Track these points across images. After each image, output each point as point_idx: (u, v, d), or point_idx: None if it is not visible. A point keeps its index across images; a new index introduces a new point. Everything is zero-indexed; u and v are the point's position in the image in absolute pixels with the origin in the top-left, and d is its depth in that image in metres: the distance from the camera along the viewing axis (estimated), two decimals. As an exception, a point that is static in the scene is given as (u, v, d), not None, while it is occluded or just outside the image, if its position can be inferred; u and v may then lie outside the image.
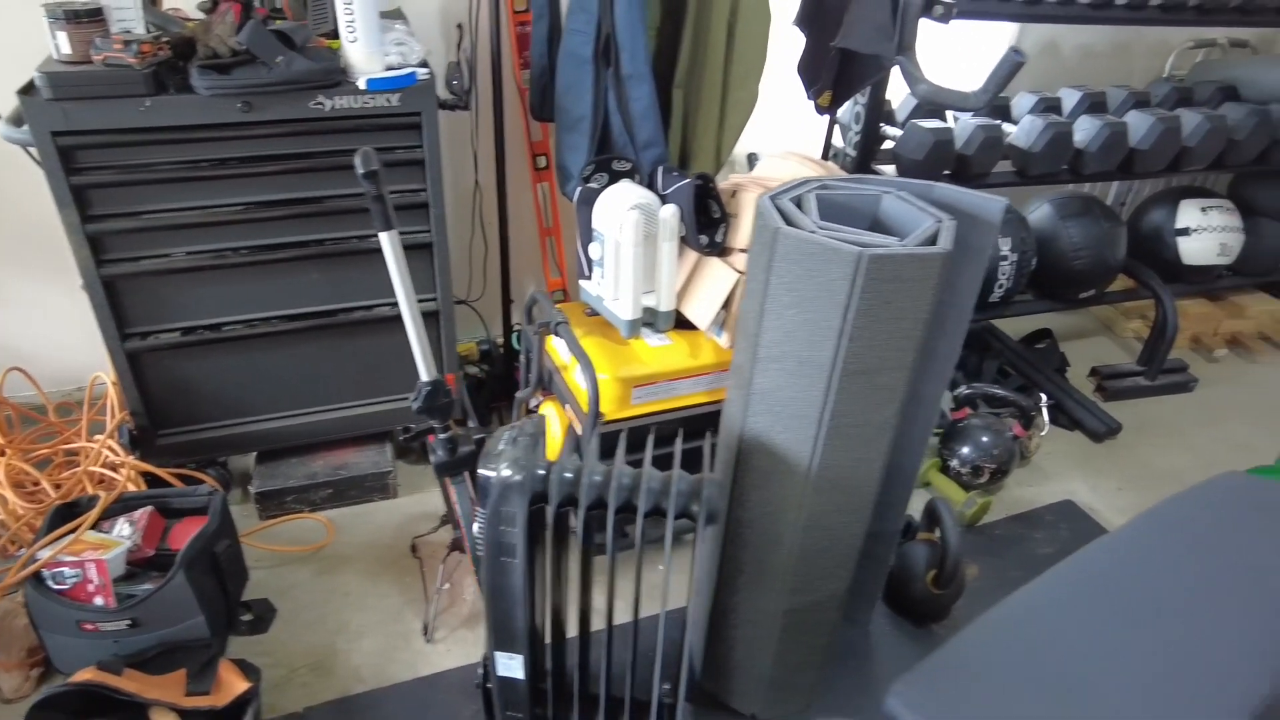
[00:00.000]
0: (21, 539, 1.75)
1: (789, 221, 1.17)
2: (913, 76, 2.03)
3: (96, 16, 1.55)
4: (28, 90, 1.52)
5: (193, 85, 1.59)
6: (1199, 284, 2.99)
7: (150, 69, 1.55)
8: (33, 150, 1.59)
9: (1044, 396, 2.55)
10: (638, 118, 1.89)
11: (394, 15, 2.01)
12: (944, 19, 2.01)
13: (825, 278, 1.12)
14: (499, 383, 2.42)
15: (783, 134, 2.64)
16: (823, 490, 1.30)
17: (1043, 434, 2.45)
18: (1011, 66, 1.89)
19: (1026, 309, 2.74)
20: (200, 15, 1.74)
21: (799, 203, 1.25)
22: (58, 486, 1.84)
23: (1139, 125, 2.45)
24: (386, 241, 1.37)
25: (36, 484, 1.86)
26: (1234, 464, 2.29)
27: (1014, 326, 3.04)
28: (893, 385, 1.21)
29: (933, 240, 1.14)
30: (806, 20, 2.18)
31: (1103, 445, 2.52)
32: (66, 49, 1.54)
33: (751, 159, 2.46)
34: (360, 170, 1.23)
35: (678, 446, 1.30)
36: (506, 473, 1.17)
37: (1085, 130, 2.41)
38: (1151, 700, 1.13)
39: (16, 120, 1.58)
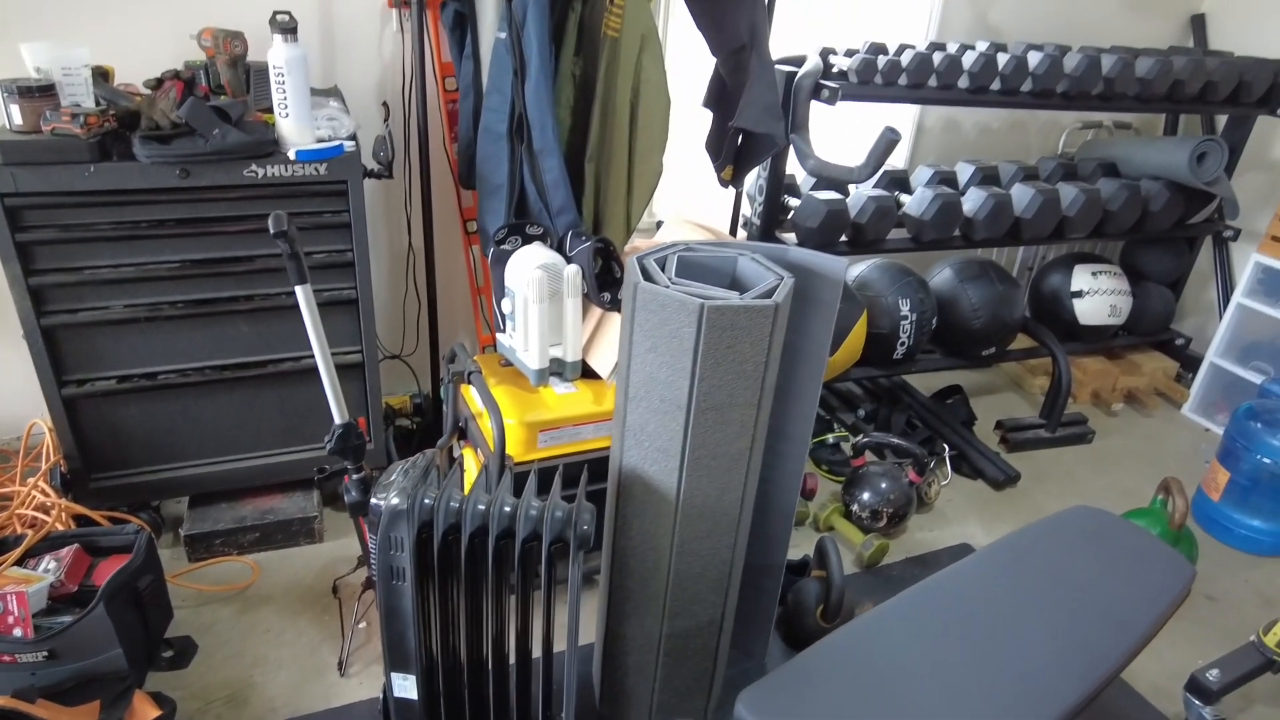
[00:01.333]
0: (-53, 578, 1.82)
1: (648, 278, 1.34)
2: (803, 153, 2.25)
3: (49, 91, 1.71)
4: (-21, 156, 1.67)
5: (135, 153, 1.74)
6: (1095, 342, 3.22)
7: (95, 138, 1.71)
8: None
9: (947, 447, 2.73)
10: (550, 187, 2.08)
11: (330, 92, 2.20)
12: (830, 101, 2.25)
13: (676, 326, 1.28)
14: (429, 433, 2.54)
15: (697, 203, 2.85)
16: (690, 517, 1.44)
17: (945, 483, 2.61)
18: (887, 144, 2.11)
19: (933, 365, 2.94)
20: (148, 91, 1.91)
21: (663, 263, 1.42)
22: (-11, 528, 1.92)
23: (1022, 196, 2.70)
24: (301, 294, 1.52)
25: (-33, 526, 1.94)
26: (1121, 508, 2.45)
27: (926, 382, 3.23)
28: (743, 420, 1.36)
29: (770, 294, 1.31)
30: (712, 102, 2.41)
31: (1002, 492, 2.69)
32: (18, 120, 1.69)
33: (658, 225, 2.66)
34: (273, 230, 1.39)
35: (582, 485, 1.43)
36: (395, 500, 1.30)
37: (974, 201, 2.64)
38: (969, 705, 1.26)
39: (-32, 183, 1.72)
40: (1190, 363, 3.37)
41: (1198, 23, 3.50)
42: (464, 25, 2.15)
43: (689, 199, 2.81)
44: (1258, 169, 3.37)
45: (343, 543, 2.22)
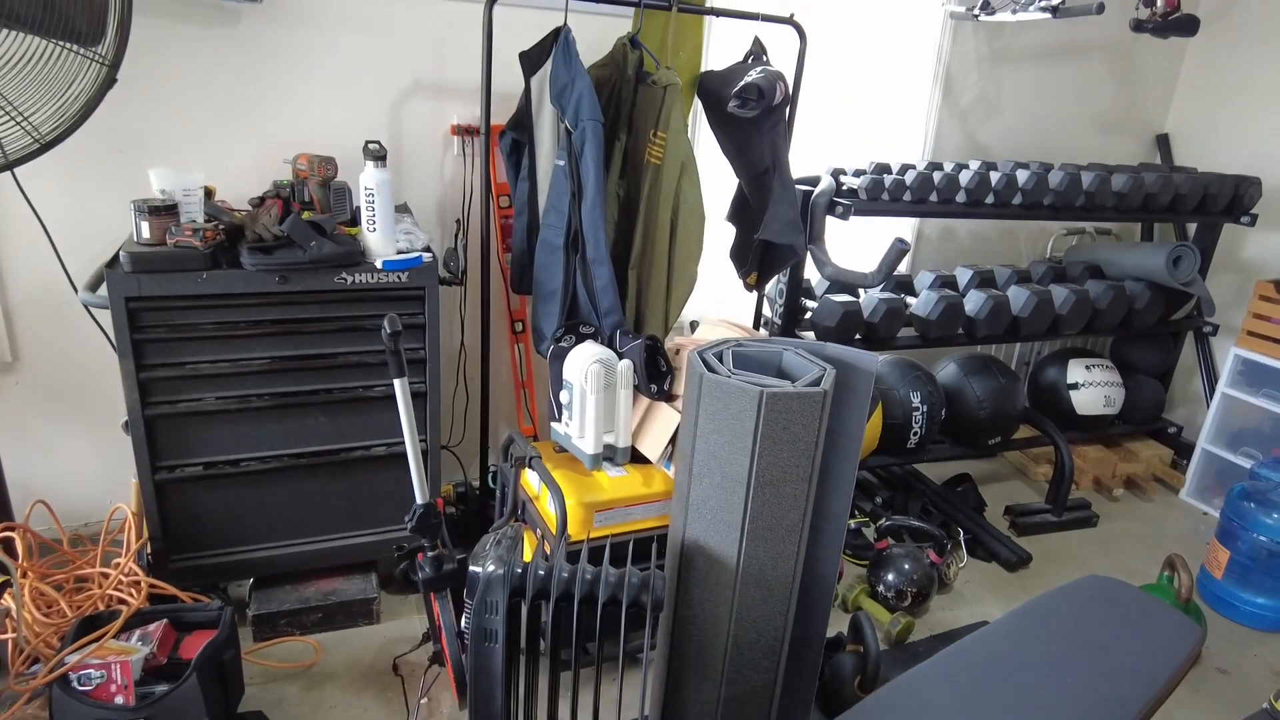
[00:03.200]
0: (40, 653, 1.93)
1: (711, 370, 1.55)
2: (822, 261, 2.51)
3: (172, 210, 1.96)
4: (112, 264, 1.90)
5: (242, 262, 1.98)
6: (1092, 431, 3.42)
7: (210, 249, 1.95)
8: (94, 311, 1.95)
9: (962, 531, 2.88)
10: (599, 292, 2.32)
11: (402, 209, 2.47)
12: (844, 217, 2.52)
13: (738, 410, 1.48)
14: (474, 520, 2.69)
15: (724, 304, 3.10)
16: (748, 585, 1.60)
17: (961, 565, 2.76)
18: (897, 253, 2.37)
19: (943, 454, 3.12)
20: (248, 207, 2.16)
21: (720, 356, 1.64)
22: (77, 608, 2.04)
23: (1019, 297, 2.95)
24: (399, 386, 1.72)
25: (52, 605, 2.06)
26: (1128, 588, 2.61)
27: (937, 471, 3.41)
28: (796, 495, 1.54)
29: (817, 383, 1.52)
30: (735, 217, 2.69)
31: (1015, 574, 2.83)
32: (147, 234, 1.93)
33: (693, 325, 2.88)
34: (387, 331, 1.60)
35: (652, 558, 1.60)
36: (491, 567, 1.46)
37: (974, 302, 2.90)
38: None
39: (92, 286, 1.95)
40: (1184, 449, 3.56)
41: (1162, 141, 3.88)
42: (520, 152, 2.44)
43: (715, 301, 3.07)
44: (1229, 269, 3.66)
45: (398, 623, 2.34)
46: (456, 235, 2.54)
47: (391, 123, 2.52)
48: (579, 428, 2.07)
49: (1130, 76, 3.72)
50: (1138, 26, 2.93)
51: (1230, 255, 3.66)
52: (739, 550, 1.57)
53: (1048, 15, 2.63)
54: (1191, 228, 3.64)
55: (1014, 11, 2.71)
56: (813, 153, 3.10)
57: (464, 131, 2.59)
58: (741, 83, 2.30)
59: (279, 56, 2.35)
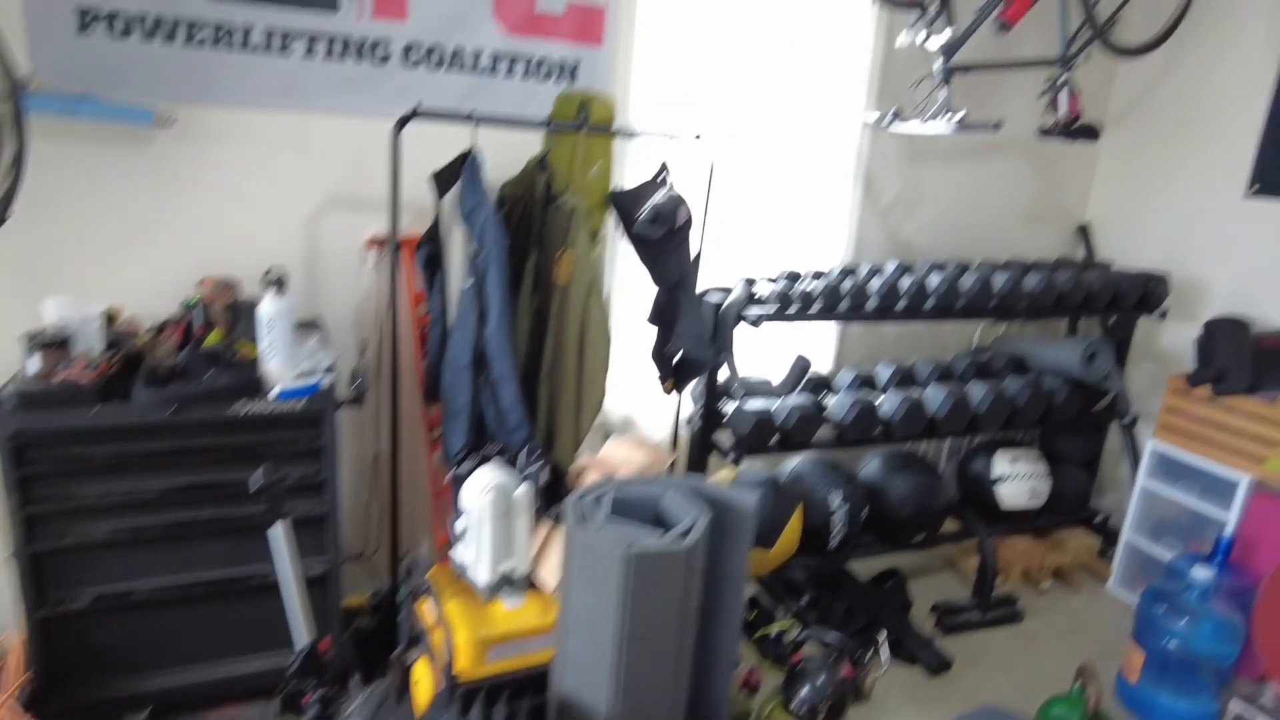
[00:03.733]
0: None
1: (584, 520, 1.56)
2: (731, 373, 2.54)
3: (64, 345, 1.95)
4: (-5, 403, 1.88)
5: (135, 395, 1.97)
6: (1019, 524, 3.45)
7: (102, 383, 1.94)
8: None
9: (884, 634, 2.88)
10: (506, 410, 2.33)
11: (313, 322, 2.48)
12: (755, 324, 2.56)
13: (606, 567, 1.49)
14: (388, 633, 2.64)
15: (648, 406, 3.12)
16: (623, 738, 1.58)
17: (881, 673, 2.75)
18: (800, 370, 2.42)
19: (868, 552, 3.13)
20: (155, 328, 2.16)
21: (599, 499, 1.65)
22: (-49, 750, 1.97)
23: (935, 397, 3.00)
24: (276, 532, 1.70)
25: (-71, 748, 1.99)
26: (1047, 692, 2.60)
27: (867, 565, 3.41)
28: (667, 648, 1.54)
29: (688, 533, 1.53)
30: (655, 319, 2.73)
31: (936, 679, 2.82)
32: (37, 368, 1.92)
33: (606, 436, 2.89)
34: (252, 489, 1.59)
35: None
36: (351, 734, 1.44)
37: (890, 404, 2.94)
38: None
39: (-22, 424, 1.92)
40: (1111, 538, 3.60)
41: (1084, 231, 4.01)
42: (434, 265, 2.47)
43: (642, 399, 3.09)
44: (1148, 358, 3.75)
45: (299, 751, 2.28)
46: (362, 353, 2.55)
47: (308, 237, 2.54)
48: (474, 556, 2.06)
49: (1049, 170, 3.85)
50: (1044, 133, 3.05)
51: (1148, 345, 3.75)
52: (612, 705, 1.56)
53: (952, 129, 2.73)
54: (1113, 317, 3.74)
55: (922, 122, 2.81)
56: (736, 258, 3.16)
57: (382, 244, 2.62)
58: (645, 208, 2.36)
59: (195, 175, 2.37)
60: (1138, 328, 3.70)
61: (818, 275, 2.96)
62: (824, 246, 3.39)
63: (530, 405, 2.42)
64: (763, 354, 3.26)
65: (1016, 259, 3.62)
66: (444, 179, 2.37)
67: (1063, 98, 2.99)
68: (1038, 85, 3.15)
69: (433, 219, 2.42)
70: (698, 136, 2.60)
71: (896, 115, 2.90)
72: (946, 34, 2.64)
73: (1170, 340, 3.69)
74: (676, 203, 2.36)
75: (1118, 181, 3.89)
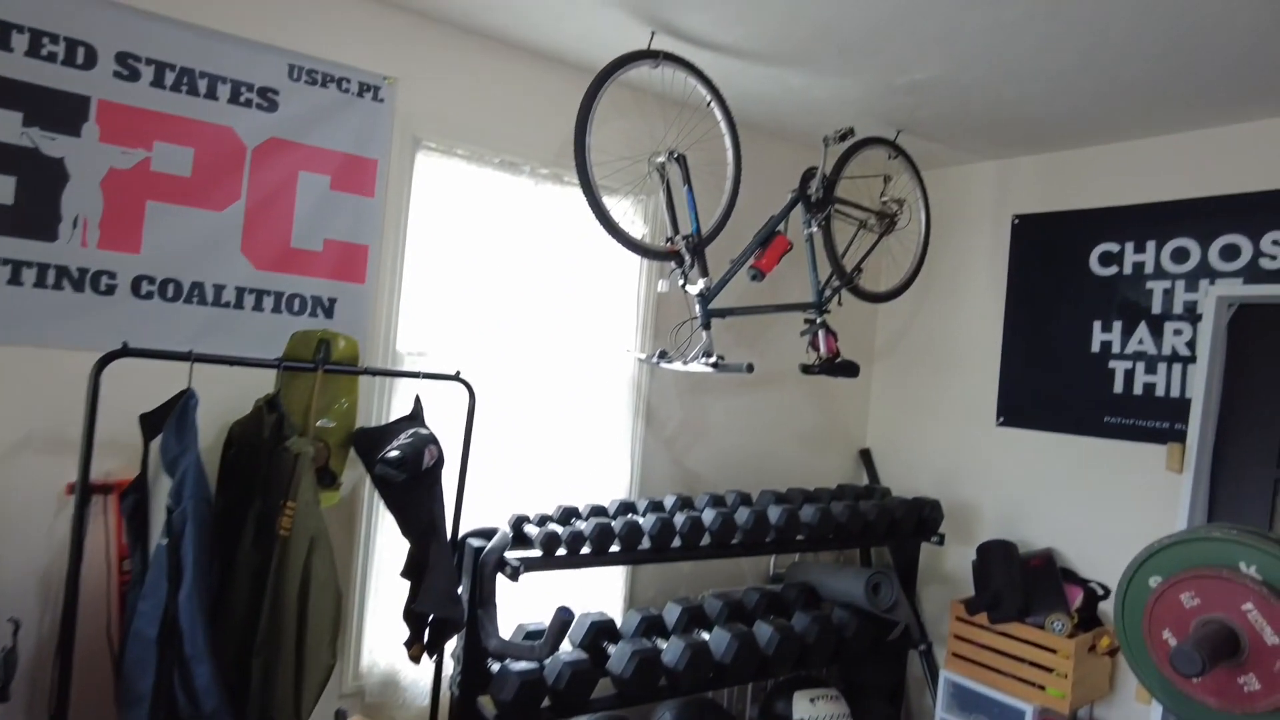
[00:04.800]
0: None
1: None
2: (487, 632, 2.29)
3: None
4: None
5: None
6: (826, 772, 3.22)
7: None
8: None
9: None
10: (201, 693, 1.94)
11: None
12: (514, 577, 2.35)
13: None
14: None
15: (404, 670, 2.77)
16: None
17: None
18: (561, 624, 2.20)
19: (662, 823, 2.78)
20: None
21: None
22: None
23: (720, 642, 2.83)
24: None
25: None
26: None
27: (668, 836, 3.03)
28: None
29: None
30: (407, 573, 2.46)
31: None
32: None
33: (338, 715, 2.49)
34: None
35: None
36: None
37: (673, 651, 2.74)
38: None
39: None
40: (922, 779, 3.43)
41: (865, 455, 4.18)
42: (140, 516, 2.14)
43: (397, 662, 2.73)
44: (936, 581, 3.82)
45: None
46: (15, 635, 2.12)
47: (-16, 486, 2.16)
48: None
49: (829, 399, 4.06)
50: (806, 370, 3.20)
51: (935, 568, 3.83)
52: None
53: (710, 370, 2.81)
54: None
55: (684, 364, 2.88)
56: (511, 495, 3.00)
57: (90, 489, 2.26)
58: (386, 450, 2.19)
59: None
60: (922, 550, 3.78)
61: (596, 511, 2.84)
62: (608, 479, 3.30)
63: (241, 686, 2.04)
64: (542, 598, 3.03)
65: (799, 487, 3.68)
66: (154, 421, 2.12)
67: (821, 338, 3.19)
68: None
69: (141, 465, 2.14)
70: (457, 374, 2.51)
71: (663, 355, 2.97)
72: (701, 283, 2.78)
73: (954, 562, 3.79)
74: (424, 442, 2.20)
75: (890, 410, 4.15)
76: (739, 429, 3.70)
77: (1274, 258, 2.92)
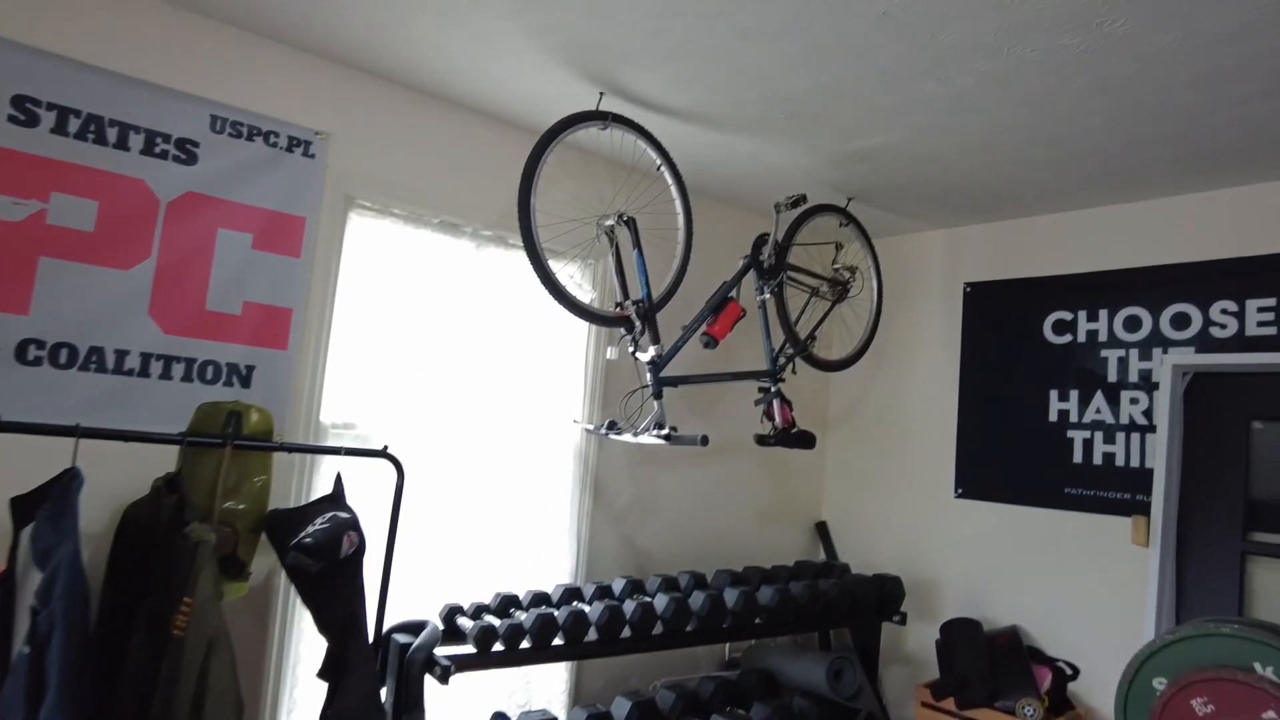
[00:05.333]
0: None
1: None
2: (410, 742, 2.02)
3: None
4: None
5: None
6: None
7: None
8: None
9: None
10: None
11: None
12: (443, 680, 2.10)
13: None
14: None
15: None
16: None
17: None
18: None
19: None
20: None
21: None
22: None
23: (675, 739, 2.60)
24: None
25: None
26: None
27: None
28: None
29: None
30: (325, 673, 2.19)
31: None
32: None
33: None
34: None
35: None
36: None
37: (623, 753, 2.49)
38: None
39: None
40: None
41: (821, 528, 4.03)
42: (5, 617, 1.85)
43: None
44: (898, 662, 3.63)
45: None
46: None
47: None
48: None
49: (784, 471, 3.91)
50: (761, 441, 3.05)
51: (897, 648, 3.66)
52: None
53: (662, 442, 2.65)
54: (857, 621, 3.63)
55: (634, 435, 2.71)
56: (441, 584, 2.74)
57: (-58, 587, 1.96)
58: (301, 536, 1.95)
59: None
60: (883, 630, 3.60)
61: (538, 599, 2.61)
62: (552, 561, 3.07)
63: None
64: (478, 699, 2.76)
65: (755, 565, 3.50)
66: (27, 505, 1.85)
67: (776, 407, 3.06)
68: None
69: (9, 556, 1.85)
70: (384, 449, 2.29)
71: (612, 426, 2.80)
72: (652, 350, 2.64)
73: (916, 642, 3.62)
74: (342, 527, 1.97)
75: (846, 481, 4.02)
76: (692, 503, 3.52)
77: (1224, 326, 2.92)
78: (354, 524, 2.02)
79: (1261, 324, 2.84)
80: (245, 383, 2.41)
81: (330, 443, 2.59)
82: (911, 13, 2.00)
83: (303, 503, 2.30)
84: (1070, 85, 2.29)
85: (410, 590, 2.62)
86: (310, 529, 1.98)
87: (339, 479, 2.20)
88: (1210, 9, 1.89)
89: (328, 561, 1.95)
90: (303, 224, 2.54)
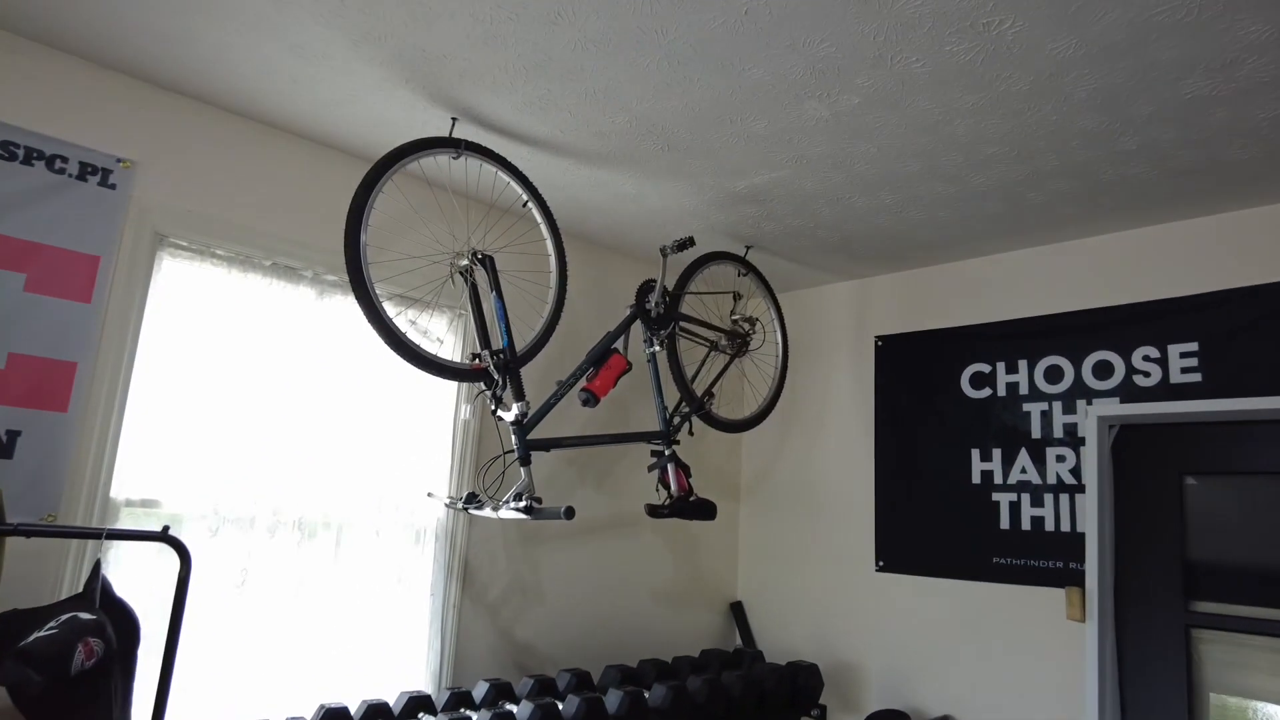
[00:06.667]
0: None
1: None
2: None
3: None
4: None
5: None
6: None
7: None
8: None
9: None
10: None
11: None
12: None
13: None
14: None
15: None
16: None
17: None
18: None
19: None
20: None
21: None
22: None
23: None
24: None
25: None
26: None
27: None
28: None
29: None
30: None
31: None
32: None
33: None
34: None
35: None
36: None
37: None
38: None
39: None
40: None
41: (737, 609, 3.63)
42: None
43: None
44: (826, 766, 3.21)
45: None
46: None
47: None
48: None
49: (692, 545, 3.53)
50: (654, 512, 2.68)
51: (822, 747, 3.23)
52: None
53: (525, 516, 2.27)
54: (776, 717, 3.21)
55: (495, 509, 2.33)
56: (255, 697, 2.27)
57: None
58: (25, 641, 1.51)
59: None
60: (805, 727, 3.18)
61: (373, 713, 2.15)
62: (406, 662, 2.60)
63: None
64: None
65: (654, 657, 3.08)
66: None
67: (670, 473, 2.71)
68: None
69: None
70: (165, 530, 1.86)
71: (472, 499, 2.41)
72: (516, 408, 2.29)
73: (842, 740, 3.20)
74: (77, 633, 1.53)
75: (761, 556, 3.65)
76: (583, 588, 3.10)
77: (1147, 374, 2.69)
78: (95, 628, 1.58)
79: (1185, 369, 2.62)
80: (5, 451, 1.98)
81: (125, 524, 2.15)
82: (775, 11, 1.76)
83: (55, 600, 1.84)
84: (963, 103, 2.08)
85: (212, 708, 2.14)
86: (36, 634, 1.54)
87: (95, 570, 1.76)
88: (1097, 5, 1.69)
89: (53, 675, 1.50)
90: (96, 264, 2.16)
